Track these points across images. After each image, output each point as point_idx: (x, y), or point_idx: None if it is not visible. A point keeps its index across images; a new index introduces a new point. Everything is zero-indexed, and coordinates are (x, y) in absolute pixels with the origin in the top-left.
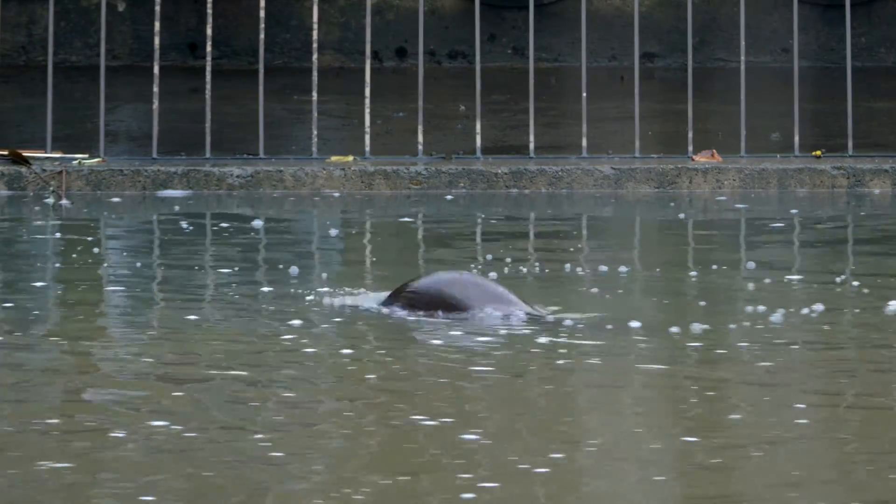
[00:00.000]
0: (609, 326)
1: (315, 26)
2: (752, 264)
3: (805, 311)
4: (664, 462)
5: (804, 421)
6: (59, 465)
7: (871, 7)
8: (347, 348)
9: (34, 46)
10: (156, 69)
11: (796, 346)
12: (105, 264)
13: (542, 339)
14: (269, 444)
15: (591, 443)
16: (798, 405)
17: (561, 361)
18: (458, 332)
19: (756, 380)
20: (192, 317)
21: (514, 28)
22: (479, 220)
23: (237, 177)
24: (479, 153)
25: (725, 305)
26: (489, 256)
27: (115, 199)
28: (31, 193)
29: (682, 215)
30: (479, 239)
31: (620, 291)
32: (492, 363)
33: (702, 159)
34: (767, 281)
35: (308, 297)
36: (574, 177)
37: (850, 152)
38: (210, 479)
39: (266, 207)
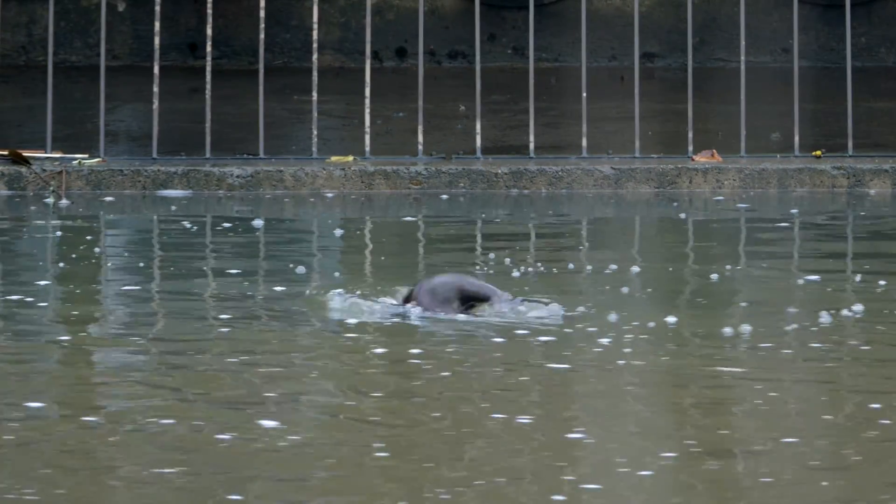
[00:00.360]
0: (651, 324)
1: (315, 26)
2: (764, 264)
3: (846, 312)
4: (767, 465)
5: (888, 421)
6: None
7: (871, 7)
8: (392, 348)
9: (34, 46)
10: (156, 69)
11: (867, 348)
12: (109, 264)
13: (603, 339)
14: (381, 444)
15: (690, 443)
16: (874, 405)
17: (622, 362)
18: (505, 330)
19: (841, 382)
20: (225, 316)
21: (514, 28)
22: (481, 220)
23: (237, 177)
24: (479, 153)
25: (762, 306)
26: (491, 256)
27: (109, 199)
28: (31, 193)
29: (682, 215)
30: (480, 239)
31: (650, 290)
32: (561, 362)
33: (702, 159)
34: (800, 282)
35: (333, 297)
36: (574, 177)
37: (850, 152)
38: (321, 478)
39: (266, 207)
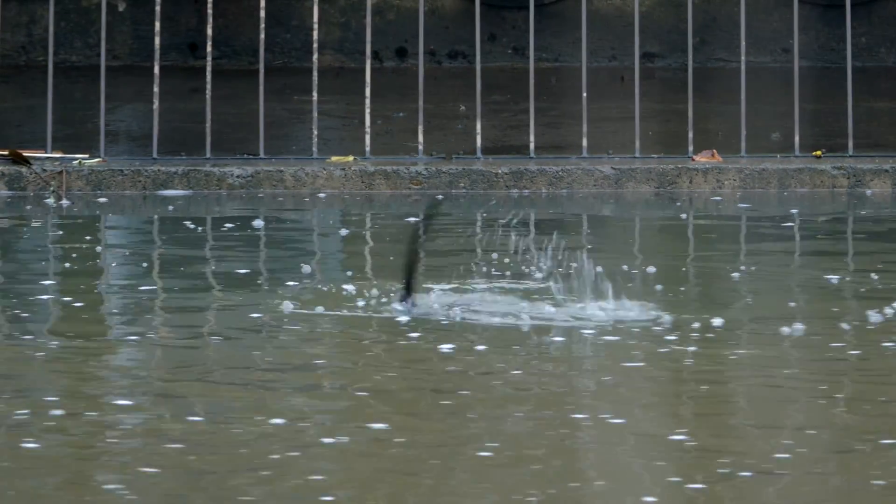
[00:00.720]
0: (697, 324)
1: (315, 26)
2: (781, 264)
3: (889, 310)
4: (873, 468)
5: None
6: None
7: (871, 7)
8: (456, 344)
9: (34, 46)
10: (156, 69)
11: None
12: (114, 264)
13: (671, 337)
14: (477, 444)
15: (786, 443)
16: None
17: (690, 361)
18: (562, 330)
19: None
20: (255, 315)
21: (514, 28)
22: (479, 218)
23: (237, 177)
24: (479, 153)
25: (803, 305)
26: (494, 256)
27: (102, 200)
28: (31, 193)
29: (683, 215)
30: (481, 235)
31: (683, 288)
32: (634, 361)
33: (702, 159)
34: (830, 281)
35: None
36: (574, 177)
37: (851, 152)
38: (423, 480)
39: (266, 207)
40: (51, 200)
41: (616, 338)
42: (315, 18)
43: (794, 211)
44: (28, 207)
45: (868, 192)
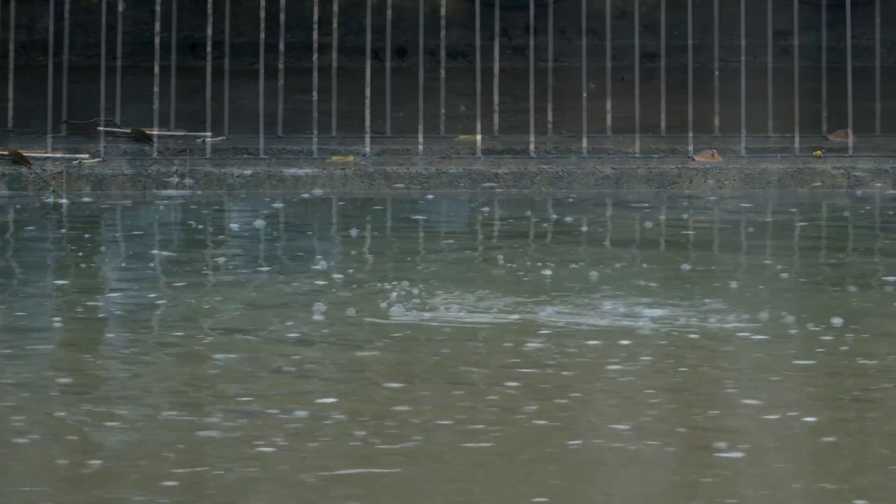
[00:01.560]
0: (822, 326)
1: (315, 26)
2: (825, 263)
3: None
4: None
5: None
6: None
7: (870, 7)
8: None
9: (34, 46)
10: (156, 69)
11: None
12: (121, 263)
13: (826, 338)
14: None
15: None
16: None
17: (864, 361)
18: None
19: None
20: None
21: (515, 28)
22: (480, 219)
23: (237, 177)
24: (479, 153)
25: (876, 306)
26: (502, 258)
27: (86, 199)
28: (31, 193)
29: (685, 215)
30: (479, 236)
31: (762, 287)
32: (805, 359)
33: (702, 159)
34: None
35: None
36: (574, 177)
37: (851, 152)
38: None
39: (267, 207)
40: (51, 200)
41: (763, 337)
42: (315, 18)
43: (793, 210)
44: (30, 208)
45: (872, 191)
